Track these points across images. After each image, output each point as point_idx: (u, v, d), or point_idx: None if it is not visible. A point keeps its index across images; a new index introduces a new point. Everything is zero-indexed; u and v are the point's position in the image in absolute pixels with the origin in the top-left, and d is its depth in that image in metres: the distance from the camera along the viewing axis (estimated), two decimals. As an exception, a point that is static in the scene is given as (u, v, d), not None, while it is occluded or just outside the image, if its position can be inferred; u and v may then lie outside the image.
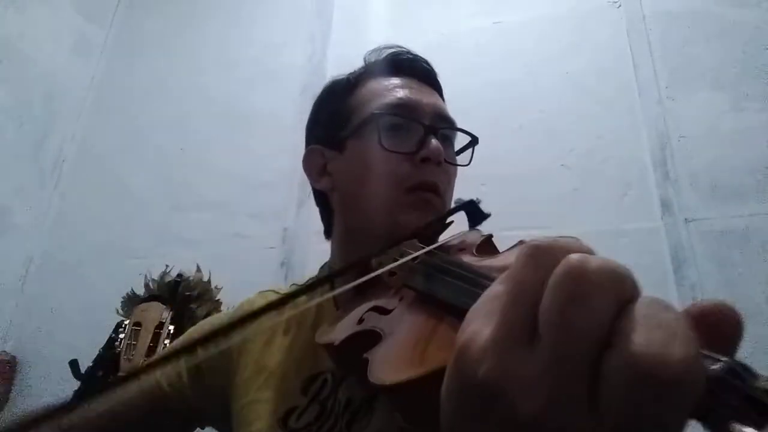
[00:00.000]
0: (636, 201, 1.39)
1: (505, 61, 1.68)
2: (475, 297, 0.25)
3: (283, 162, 1.75)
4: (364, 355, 0.36)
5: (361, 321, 0.44)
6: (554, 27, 1.68)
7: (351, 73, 0.70)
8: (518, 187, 1.48)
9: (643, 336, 0.18)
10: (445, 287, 0.38)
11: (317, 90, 0.73)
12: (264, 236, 1.70)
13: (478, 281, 0.34)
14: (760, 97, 1.38)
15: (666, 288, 1.26)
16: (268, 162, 1.78)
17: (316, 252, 1.58)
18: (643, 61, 1.53)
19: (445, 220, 0.58)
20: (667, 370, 0.17)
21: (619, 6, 1.63)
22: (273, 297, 0.71)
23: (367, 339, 0.39)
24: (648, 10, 1.59)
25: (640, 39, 1.56)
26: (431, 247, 0.45)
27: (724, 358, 0.19)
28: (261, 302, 0.70)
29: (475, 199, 0.55)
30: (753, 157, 1.33)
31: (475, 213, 0.54)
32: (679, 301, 1.24)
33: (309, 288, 0.46)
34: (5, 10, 1.91)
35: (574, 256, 0.20)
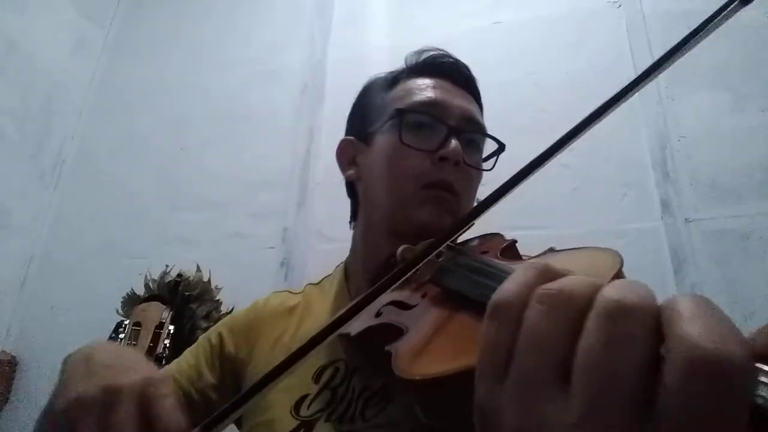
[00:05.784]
0: (636, 201, 1.39)
1: (504, 61, 1.68)
2: None
3: (283, 162, 1.75)
4: (386, 348, 0.36)
5: (379, 314, 0.44)
6: (554, 27, 1.68)
7: (391, 72, 0.73)
8: (518, 187, 1.48)
9: (697, 330, 0.18)
10: (475, 286, 0.38)
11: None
12: (264, 236, 1.70)
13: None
14: (760, 97, 1.38)
15: (666, 288, 1.26)
16: (268, 162, 1.78)
17: (316, 252, 1.58)
18: (643, 61, 1.53)
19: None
20: (730, 358, 0.17)
21: (619, 6, 1.63)
22: (287, 296, 0.72)
23: (385, 332, 0.39)
24: (648, 10, 1.59)
25: (640, 39, 1.56)
26: (449, 240, 0.41)
27: None
28: (275, 301, 0.71)
29: None
30: (753, 157, 1.33)
31: None
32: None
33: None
34: (5, 10, 1.91)
35: (607, 293, 0.20)
